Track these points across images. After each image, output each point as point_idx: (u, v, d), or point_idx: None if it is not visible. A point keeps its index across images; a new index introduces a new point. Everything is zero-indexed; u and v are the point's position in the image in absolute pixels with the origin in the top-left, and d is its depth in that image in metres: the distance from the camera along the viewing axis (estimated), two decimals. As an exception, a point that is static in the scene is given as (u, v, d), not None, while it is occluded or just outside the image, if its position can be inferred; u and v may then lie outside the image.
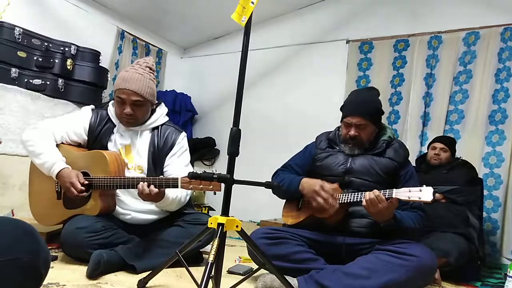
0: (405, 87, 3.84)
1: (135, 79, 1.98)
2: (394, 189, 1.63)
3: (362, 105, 1.93)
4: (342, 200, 1.80)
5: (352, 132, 1.93)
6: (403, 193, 1.59)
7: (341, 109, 2.02)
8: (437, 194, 2.73)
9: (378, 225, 1.80)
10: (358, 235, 1.85)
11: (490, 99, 3.42)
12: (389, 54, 3.95)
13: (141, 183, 1.79)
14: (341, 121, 2.03)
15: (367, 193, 1.68)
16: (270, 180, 2.10)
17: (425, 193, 1.53)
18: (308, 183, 1.88)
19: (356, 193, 1.76)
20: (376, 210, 1.66)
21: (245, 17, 1.38)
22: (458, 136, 3.50)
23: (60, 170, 1.89)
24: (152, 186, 1.77)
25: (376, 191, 1.65)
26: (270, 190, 2.07)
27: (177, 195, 1.98)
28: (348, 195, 1.79)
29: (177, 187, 1.77)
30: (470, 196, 2.73)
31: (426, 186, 1.56)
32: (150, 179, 1.82)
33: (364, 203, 1.68)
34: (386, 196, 1.64)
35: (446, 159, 2.93)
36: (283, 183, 1.99)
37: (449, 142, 2.99)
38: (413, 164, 3.14)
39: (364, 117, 1.91)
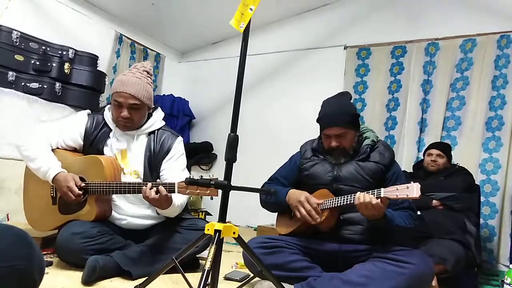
0: (402, 93, 3.85)
1: (133, 83, 1.97)
2: (382, 189, 1.63)
3: (337, 115, 1.91)
4: (332, 205, 1.80)
5: (333, 143, 1.92)
6: (391, 192, 1.60)
7: (318, 121, 2.01)
8: (434, 201, 2.74)
9: (372, 231, 1.80)
10: (353, 242, 1.84)
11: (487, 106, 3.44)
12: (387, 60, 3.97)
13: (149, 185, 1.78)
14: (320, 133, 2.03)
15: (359, 194, 1.67)
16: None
17: (412, 190, 1.53)
18: (295, 194, 1.90)
19: (345, 196, 1.76)
20: (368, 212, 1.67)
21: (244, 24, 1.38)
22: (455, 142, 3.52)
23: (56, 174, 1.88)
24: (161, 187, 1.76)
25: (373, 198, 1.64)
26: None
27: (180, 202, 1.97)
28: (337, 199, 1.79)
29: (173, 192, 1.76)
30: (467, 203, 2.73)
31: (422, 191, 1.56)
32: (146, 184, 1.81)
33: (357, 201, 1.67)
34: (375, 196, 1.64)
35: (443, 165, 2.93)
36: (270, 197, 1.99)
37: (444, 148, 3.00)
38: (410, 170, 3.17)
39: (342, 126, 1.90)
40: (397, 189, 1.58)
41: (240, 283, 1.52)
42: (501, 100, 3.38)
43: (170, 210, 1.93)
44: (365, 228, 1.84)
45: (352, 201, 1.71)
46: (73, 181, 1.86)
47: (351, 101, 2.12)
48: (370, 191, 1.66)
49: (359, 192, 1.68)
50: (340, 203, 1.77)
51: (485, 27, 3.50)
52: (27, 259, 0.83)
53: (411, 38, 3.85)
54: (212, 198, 1.64)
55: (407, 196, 1.54)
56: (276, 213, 2.13)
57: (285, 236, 1.96)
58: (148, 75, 2.07)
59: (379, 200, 1.62)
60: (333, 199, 1.80)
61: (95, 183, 1.89)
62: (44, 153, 1.94)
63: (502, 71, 3.41)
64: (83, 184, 1.88)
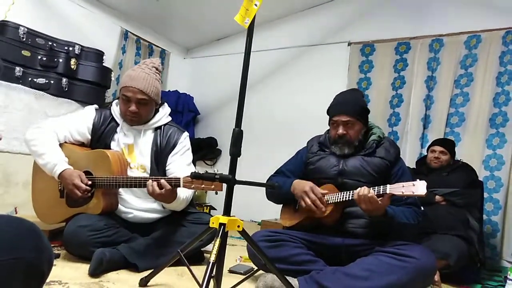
0: (406, 89, 3.85)
1: (142, 78, 2.00)
2: (388, 185, 1.65)
3: (347, 104, 1.98)
4: (336, 199, 1.82)
5: (340, 131, 1.96)
6: (397, 189, 1.61)
7: (328, 112, 2.06)
8: (437, 197, 2.74)
9: (375, 225, 1.82)
10: (356, 235, 1.86)
11: (491, 102, 3.43)
12: (391, 56, 3.96)
13: (150, 182, 1.80)
14: (329, 123, 2.06)
15: (359, 188, 1.69)
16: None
17: (418, 187, 1.54)
18: (300, 184, 1.92)
19: (348, 192, 1.78)
20: (366, 207, 1.69)
21: (248, 19, 1.39)
22: (458, 138, 3.51)
23: (62, 171, 1.90)
24: (163, 181, 1.78)
25: (370, 191, 1.66)
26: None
27: (186, 195, 1.99)
28: (342, 193, 1.81)
29: (179, 186, 1.79)
30: (470, 199, 2.73)
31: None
32: (152, 178, 1.83)
33: (355, 196, 1.70)
34: (381, 192, 1.65)
35: (446, 162, 2.94)
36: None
37: (448, 145, 3.00)
38: (414, 166, 3.17)
39: (350, 115, 1.95)
40: (403, 186, 1.59)
41: (244, 276, 1.54)
42: (506, 97, 3.37)
43: (176, 204, 1.95)
44: (368, 222, 1.86)
45: (352, 197, 1.73)
46: (79, 178, 1.88)
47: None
48: (376, 187, 1.68)
49: (359, 187, 1.70)
50: (346, 197, 1.78)
51: (490, 23, 3.48)
52: (36, 251, 0.83)
53: (415, 35, 3.84)
54: (216, 193, 1.66)
55: (413, 193, 1.55)
56: (280, 207, 2.15)
57: (289, 229, 1.99)
58: (157, 71, 2.10)
59: (374, 193, 1.65)
60: (337, 194, 1.82)
61: (101, 178, 1.92)
62: (52, 148, 1.97)
63: (507, 67, 3.40)
64: (89, 182, 1.91)
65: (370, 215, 1.76)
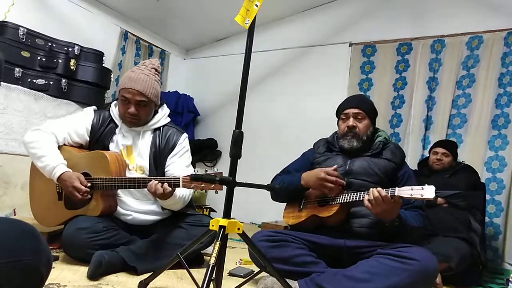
0: (407, 90, 3.84)
1: (141, 80, 1.99)
2: (397, 188, 1.64)
3: (358, 99, 2.08)
4: (343, 200, 1.80)
5: (350, 123, 1.99)
6: (405, 191, 1.60)
7: (337, 112, 2.10)
8: (439, 199, 2.73)
9: (380, 225, 1.80)
10: (359, 235, 1.84)
11: (493, 104, 3.41)
12: (392, 57, 3.95)
13: (153, 181, 1.79)
14: (337, 123, 2.09)
15: (370, 190, 1.67)
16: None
17: (427, 191, 1.54)
18: (310, 175, 1.92)
19: (357, 193, 1.76)
20: (381, 210, 1.65)
21: (249, 20, 1.38)
22: (460, 140, 3.50)
23: (61, 174, 1.89)
24: (166, 185, 1.77)
25: (381, 190, 1.64)
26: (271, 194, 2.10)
27: (183, 194, 1.98)
28: (349, 194, 1.79)
29: (178, 186, 1.78)
30: (472, 201, 2.72)
31: None
32: (151, 178, 1.82)
33: (366, 203, 1.67)
34: (389, 194, 1.64)
35: (449, 164, 2.92)
36: (283, 184, 2.01)
37: (450, 147, 2.99)
38: (415, 167, 3.16)
39: (361, 108, 2.00)
40: (412, 189, 1.58)
41: (244, 279, 1.52)
42: (508, 98, 3.36)
43: (171, 201, 1.93)
44: (372, 222, 1.84)
45: (362, 198, 1.71)
46: (78, 181, 1.87)
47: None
48: (385, 189, 1.66)
49: (371, 189, 1.67)
50: (352, 198, 1.77)
51: (492, 24, 3.48)
52: (35, 254, 0.83)
53: (417, 35, 3.83)
54: (216, 192, 1.64)
55: (422, 196, 1.54)
56: (282, 208, 2.13)
57: (291, 230, 1.98)
58: (156, 72, 2.09)
59: (388, 193, 1.63)
60: (345, 195, 1.81)
61: (100, 179, 1.91)
62: (51, 151, 1.95)
63: (509, 69, 3.39)
64: (89, 184, 1.89)
65: (384, 218, 1.73)
